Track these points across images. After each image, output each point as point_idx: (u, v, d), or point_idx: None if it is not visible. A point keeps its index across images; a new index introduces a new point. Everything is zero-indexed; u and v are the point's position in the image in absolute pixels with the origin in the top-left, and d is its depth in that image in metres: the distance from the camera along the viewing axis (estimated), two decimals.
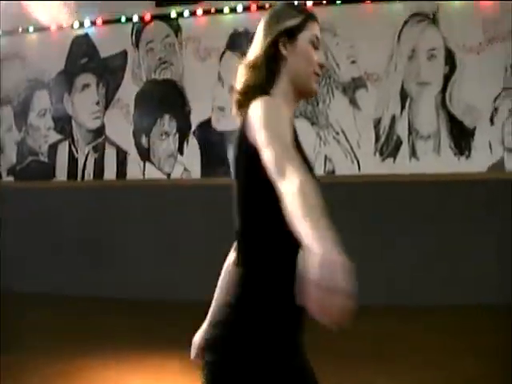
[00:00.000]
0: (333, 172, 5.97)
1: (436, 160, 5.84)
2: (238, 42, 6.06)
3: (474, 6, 5.79)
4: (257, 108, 1.59)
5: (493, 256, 5.62)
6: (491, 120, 5.80)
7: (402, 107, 5.88)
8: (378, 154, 5.92)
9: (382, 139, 5.91)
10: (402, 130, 5.89)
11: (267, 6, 5.91)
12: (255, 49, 1.76)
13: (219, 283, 1.86)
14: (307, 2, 5.91)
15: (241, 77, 1.75)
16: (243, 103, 1.70)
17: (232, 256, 1.83)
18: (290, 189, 1.40)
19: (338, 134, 5.96)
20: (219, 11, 6.06)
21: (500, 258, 5.59)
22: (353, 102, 5.94)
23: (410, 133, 5.89)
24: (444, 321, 4.96)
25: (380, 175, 5.88)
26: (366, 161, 5.93)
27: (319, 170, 5.97)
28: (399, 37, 5.87)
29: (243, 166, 1.67)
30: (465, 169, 5.81)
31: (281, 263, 1.63)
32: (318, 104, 5.97)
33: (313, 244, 1.29)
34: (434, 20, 5.84)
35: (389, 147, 5.91)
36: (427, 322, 4.92)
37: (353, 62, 5.93)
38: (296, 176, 1.42)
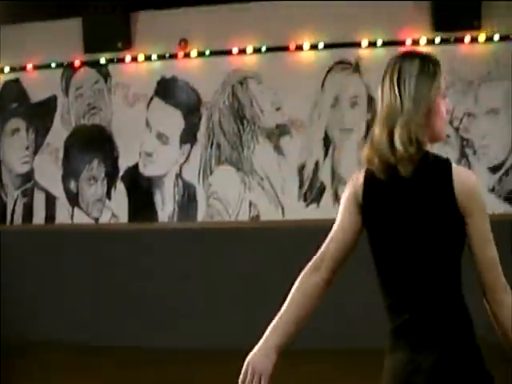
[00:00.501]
0: (257, 217, 6.00)
1: None
2: (165, 88, 6.13)
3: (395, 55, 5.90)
4: (475, 189, 1.84)
5: None
6: None
7: (326, 153, 5.96)
8: (302, 200, 5.96)
9: (306, 185, 5.96)
10: (325, 175, 5.95)
11: (194, 54, 6.02)
12: (401, 103, 1.87)
13: (294, 298, 2.03)
14: (232, 49, 6.00)
15: (388, 136, 1.87)
16: (415, 156, 1.85)
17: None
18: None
19: (262, 179, 6.01)
20: (147, 58, 6.13)
21: None
22: (277, 149, 6.00)
23: (333, 178, 5.95)
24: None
25: (304, 220, 5.91)
26: (291, 206, 5.97)
27: (244, 216, 6.01)
28: (323, 84, 5.96)
29: (443, 220, 1.84)
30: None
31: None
32: (242, 150, 6.03)
33: None
34: (356, 68, 5.95)
35: (312, 193, 5.96)
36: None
37: (277, 108, 6.00)
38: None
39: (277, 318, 2.01)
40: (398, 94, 1.87)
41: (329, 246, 2.02)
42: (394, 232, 1.89)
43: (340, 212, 2.03)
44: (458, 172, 1.84)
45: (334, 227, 2.03)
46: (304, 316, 2.01)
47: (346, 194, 2.03)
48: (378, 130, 1.91)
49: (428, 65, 1.91)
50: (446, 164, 1.87)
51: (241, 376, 1.92)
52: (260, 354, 1.93)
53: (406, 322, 1.88)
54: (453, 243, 1.84)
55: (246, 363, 1.92)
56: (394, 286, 1.93)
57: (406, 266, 1.87)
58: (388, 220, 1.90)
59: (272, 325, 2.00)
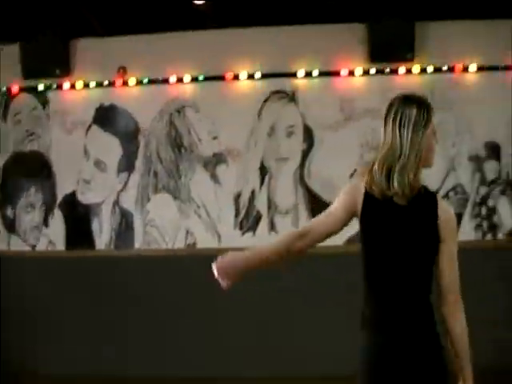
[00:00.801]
0: (194, 245, 6.01)
1: None
2: (103, 115, 6.13)
3: (331, 85, 5.99)
4: (453, 219, 2.35)
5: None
6: None
7: (262, 182, 6.00)
8: (238, 228, 5.99)
9: (242, 213, 6.00)
10: (261, 204, 5.99)
11: (133, 82, 6.04)
12: (400, 147, 2.26)
13: (273, 243, 2.47)
14: (170, 78, 6.03)
15: (388, 172, 2.29)
16: (414, 186, 2.28)
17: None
18: (462, 325, 2.31)
19: (199, 207, 6.03)
20: (86, 85, 6.13)
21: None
22: (214, 177, 6.03)
23: (269, 207, 5.99)
24: None
25: (240, 249, 5.89)
26: (227, 234, 6.00)
27: (180, 244, 6.02)
28: (259, 113, 6.01)
29: (420, 239, 2.31)
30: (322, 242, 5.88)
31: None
32: (179, 178, 6.05)
33: (467, 367, 2.31)
34: (293, 98, 6.01)
35: (248, 221, 5.99)
36: None
37: (214, 137, 6.04)
38: (463, 310, 2.31)
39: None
40: (398, 139, 2.26)
41: (319, 223, 2.43)
42: (385, 246, 2.32)
43: (339, 202, 2.40)
44: (442, 204, 2.33)
45: (331, 209, 2.41)
46: (271, 259, 2.43)
47: (347, 192, 2.40)
48: (377, 165, 2.30)
49: (423, 112, 2.30)
50: (433, 197, 2.36)
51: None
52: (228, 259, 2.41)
53: (384, 314, 2.33)
54: (429, 259, 2.31)
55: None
56: (379, 287, 2.35)
57: (391, 271, 2.31)
58: (382, 236, 2.33)
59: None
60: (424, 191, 2.32)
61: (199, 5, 5.63)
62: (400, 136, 2.25)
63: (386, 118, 2.33)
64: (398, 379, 2.29)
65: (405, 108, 2.29)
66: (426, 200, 2.32)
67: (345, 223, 2.41)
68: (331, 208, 2.42)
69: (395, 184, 2.25)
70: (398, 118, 2.28)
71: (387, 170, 2.27)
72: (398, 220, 2.31)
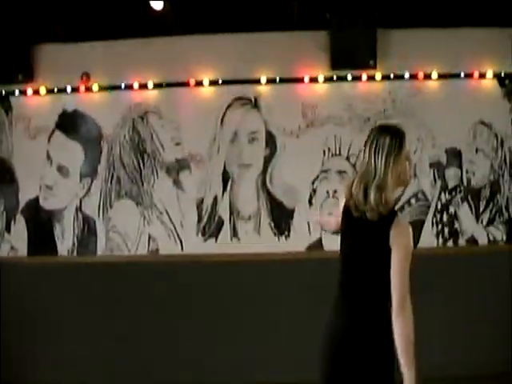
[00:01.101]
0: (157, 251, 6.00)
1: (256, 240, 5.95)
2: (66, 121, 6.12)
3: (294, 92, 6.01)
4: (406, 235, 2.64)
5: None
6: (310, 201, 5.96)
7: (224, 188, 6.00)
8: (200, 234, 5.99)
9: (205, 219, 6.00)
10: (223, 210, 6.00)
11: (96, 88, 6.03)
12: (374, 171, 2.66)
13: None
14: (133, 84, 6.03)
15: (364, 191, 2.69)
16: (377, 209, 2.67)
17: None
18: (405, 326, 2.57)
19: (161, 213, 6.02)
20: (49, 91, 6.11)
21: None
22: (176, 183, 6.03)
23: (231, 213, 6.00)
24: None
25: (202, 255, 5.94)
26: (189, 240, 6.00)
27: (143, 250, 6.01)
28: (222, 120, 6.02)
29: (376, 251, 2.68)
30: (284, 248, 5.93)
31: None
32: (142, 184, 6.04)
33: (406, 371, 2.56)
34: (256, 104, 6.03)
35: (211, 227, 6.00)
36: None
37: (177, 143, 6.04)
38: (409, 316, 2.57)
39: None
40: (373, 163, 2.65)
41: None
42: (351, 251, 2.79)
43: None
44: (397, 220, 2.67)
45: None
46: None
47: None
48: (355, 183, 2.73)
49: (396, 140, 2.68)
50: (394, 213, 2.71)
51: None
52: None
53: (344, 307, 2.80)
54: (384, 267, 2.64)
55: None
56: (346, 280, 2.82)
57: (354, 272, 2.77)
58: (350, 242, 2.80)
59: None
60: (392, 211, 2.71)
61: (163, 11, 5.61)
62: (375, 161, 2.64)
63: (365, 144, 2.74)
64: (343, 357, 2.74)
65: (380, 137, 2.68)
66: (388, 216, 2.68)
67: None
68: None
69: (371, 199, 2.63)
70: (374, 146, 2.67)
71: (364, 187, 2.66)
72: (362, 230, 2.73)
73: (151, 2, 5.45)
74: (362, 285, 2.75)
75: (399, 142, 2.68)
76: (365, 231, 2.73)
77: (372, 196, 2.63)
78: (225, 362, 5.83)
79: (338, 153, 6.00)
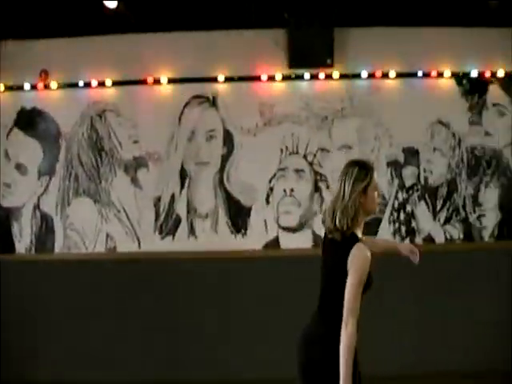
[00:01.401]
0: (114, 249, 6.01)
1: (214, 237, 5.97)
2: (25, 119, 6.11)
3: (251, 90, 6.03)
4: (362, 259, 2.89)
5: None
6: (267, 199, 5.98)
7: (182, 186, 6.02)
8: (157, 232, 6.01)
9: (162, 217, 6.01)
10: (181, 208, 6.02)
11: (54, 86, 6.03)
12: (343, 196, 3.00)
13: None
14: (91, 82, 6.03)
15: (332, 213, 3.03)
16: (341, 230, 2.99)
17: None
18: (346, 340, 2.81)
19: (119, 211, 6.03)
20: (8, 88, 6.11)
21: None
22: (134, 181, 6.04)
23: (188, 211, 6.01)
24: None
25: (159, 253, 5.95)
26: (147, 238, 6.01)
27: (100, 247, 6.02)
28: (180, 118, 6.03)
29: (337, 269, 2.93)
30: (241, 246, 5.95)
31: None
32: (100, 182, 6.05)
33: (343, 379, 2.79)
34: (213, 102, 6.04)
35: (168, 225, 6.01)
36: None
37: (135, 141, 6.05)
38: (350, 333, 2.81)
39: None
40: (342, 190, 2.99)
41: None
42: (322, 267, 3.10)
43: None
44: (355, 247, 2.91)
45: None
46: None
47: None
48: (329, 207, 3.08)
49: (363, 171, 3.01)
50: (356, 238, 2.99)
51: None
52: None
53: (315, 312, 3.08)
54: (341, 282, 2.89)
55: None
56: (319, 293, 3.09)
57: (321, 286, 3.08)
58: (322, 260, 3.12)
59: None
60: (355, 236, 3.00)
61: (119, 10, 5.61)
62: (344, 188, 2.99)
63: (340, 175, 3.06)
64: (300, 359, 3.07)
65: (349, 168, 3.03)
66: (350, 240, 2.96)
67: None
68: None
69: (336, 220, 2.97)
70: (344, 175, 3.02)
71: (332, 210, 3.01)
72: (330, 250, 3.06)
73: (105, 2, 5.44)
74: (323, 298, 3.07)
75: (366, 173, 3.02)
76: (331, 251, 3.06)
77: (338, 217, 2.97)
78: (191, 360, 5.84)
79: (295, 151, 6.02)
